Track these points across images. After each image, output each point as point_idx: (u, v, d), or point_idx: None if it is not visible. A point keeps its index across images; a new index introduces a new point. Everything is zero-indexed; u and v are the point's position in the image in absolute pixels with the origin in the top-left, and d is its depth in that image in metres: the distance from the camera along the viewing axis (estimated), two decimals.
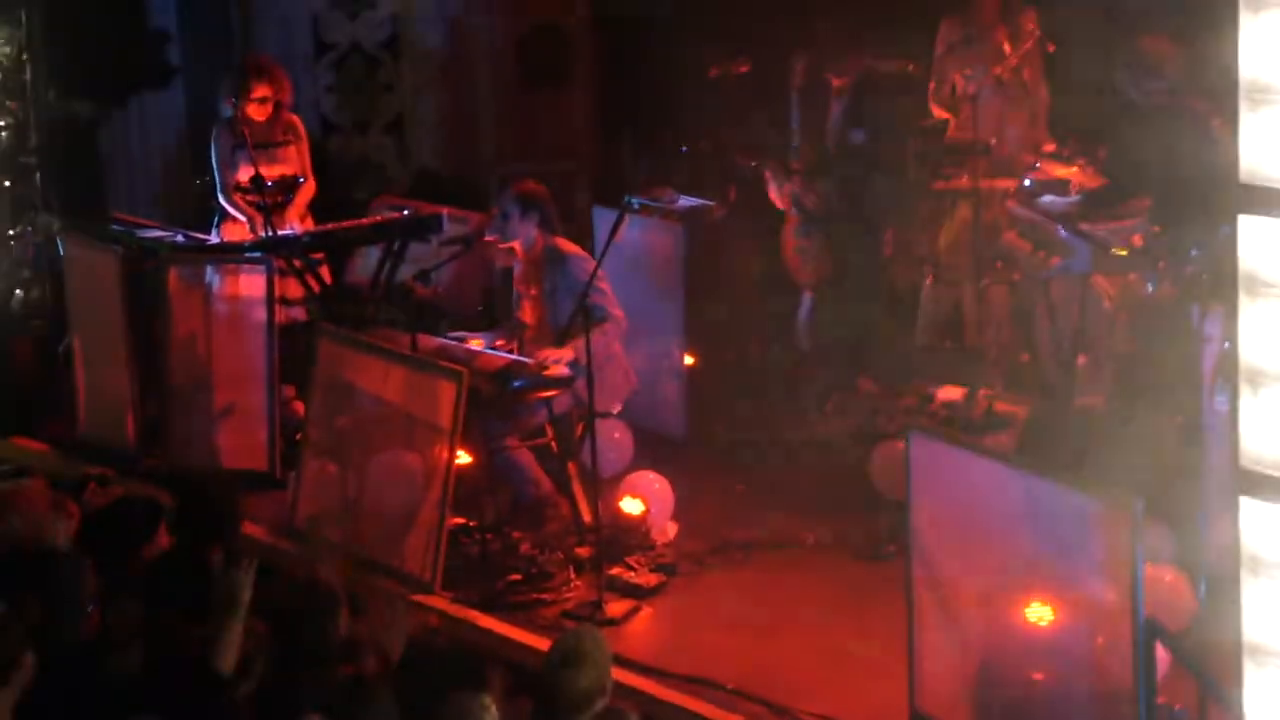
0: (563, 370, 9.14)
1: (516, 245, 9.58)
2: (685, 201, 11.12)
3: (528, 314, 9.67)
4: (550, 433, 9.44)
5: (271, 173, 10.77)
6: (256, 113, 10.74)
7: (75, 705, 6.58)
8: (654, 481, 9.46)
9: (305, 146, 11.02)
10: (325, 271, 10.85)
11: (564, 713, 6.55)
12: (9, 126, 12.40)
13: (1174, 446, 8.56)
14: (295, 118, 11.08)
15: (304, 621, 7.06)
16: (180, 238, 10.89)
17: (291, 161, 10.92)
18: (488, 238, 9.92)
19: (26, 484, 8.68)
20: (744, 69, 11.34)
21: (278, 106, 10.84)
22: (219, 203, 10.91)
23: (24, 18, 12.39)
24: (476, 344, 9.51)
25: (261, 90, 10.74)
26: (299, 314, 10.73)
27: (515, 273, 9.76)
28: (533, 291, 9.60)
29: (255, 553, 8.58)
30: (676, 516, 9.45)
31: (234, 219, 10.84)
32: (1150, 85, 9.16)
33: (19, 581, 7.27)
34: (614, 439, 10.01)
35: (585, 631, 7.48)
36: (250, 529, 9.34)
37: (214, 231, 10.96)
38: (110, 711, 6.50)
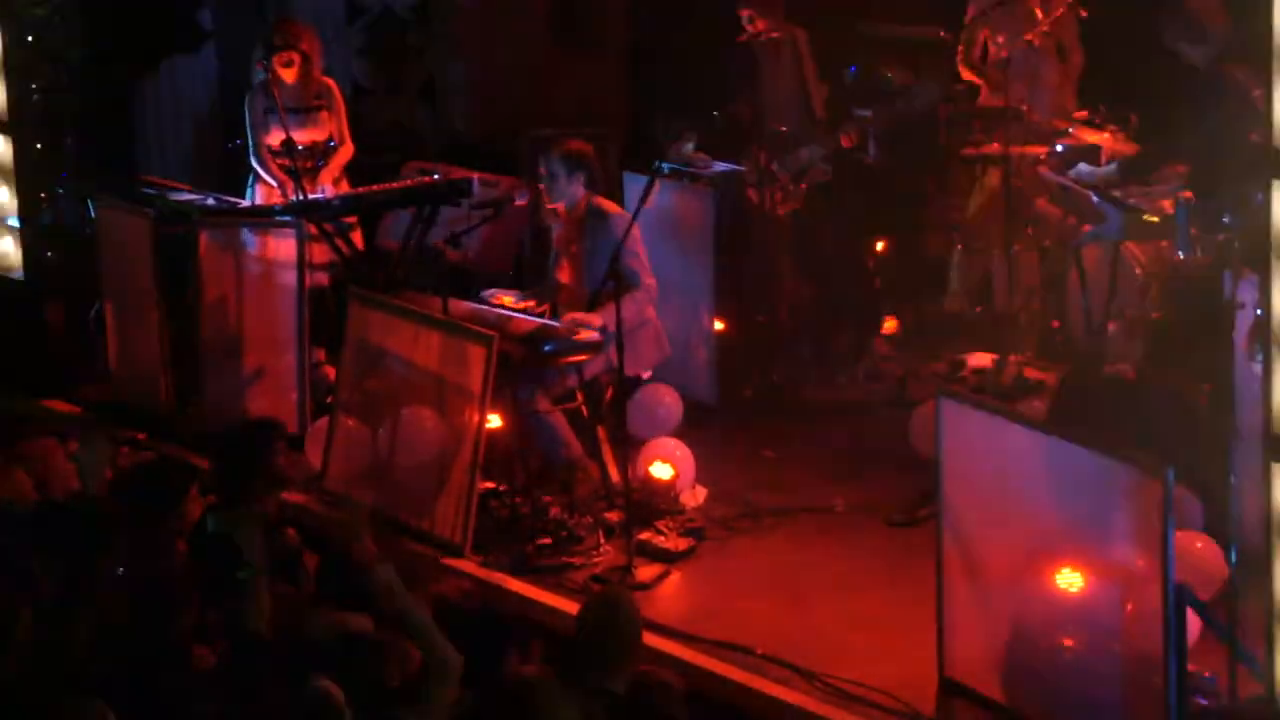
0: (593, 335, 9.14)
1: (561, 206, 9.55)
2: (717, 166, 11.11)
3: (565, 274, 9.64)
4: (580, 397, 9.44)
5: (303, 138, 10.76)
6: (284, 74, 10.73)
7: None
8: (675, 448, 9.45)
9: (340, 110, 11.00)
10: (357, 237, 10.86)
11: (595, 675, 6.57)
12: (41, 90, 12.41)
13: (1205, 413, 8.54)
14: (330, 81, 11.06)
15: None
16: (211, 201, 10.91)
17: (324, 126, 10.90)
18: (518, 202, 9.91)
19: (43, 442, 8.77)
20: (775, 34, 11.30)
21: (308, 68, 10.82)
22: (253, 165, 10.92)
23: None
24: (507, 300, 9.52)
25: (287, 54, 10.72)
26: (324, 278, 10.74)
27: (556, 233, 9.72)
28: (573, 249, 9.57)
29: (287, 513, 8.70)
30: (706, 481, 9.45)
31: (268, 181, 10.84)
32: (1192, 49, 9.12)
33: (43, 538, 7.32)
34: (664, 402, 9.98)
35: (616, 594, 7.51)
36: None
37: (248, 194, 10.98)
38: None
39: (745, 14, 11.23)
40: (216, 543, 7.36)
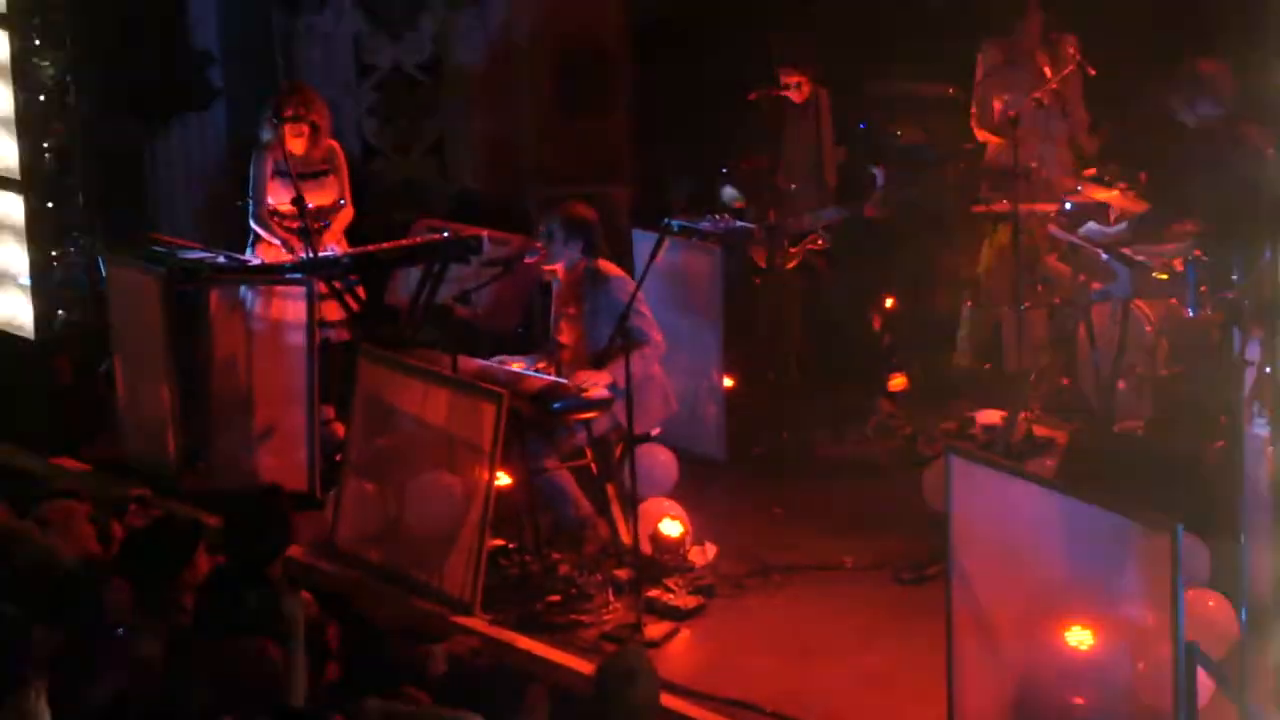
0: (602, 392, 9.14)
1: (558, 268, 9.59)
2: (735, 222, 11.13)
3: (565, 334, 9.67)
4: (590, 454, 9.44)
5: (312, 201, 10.76)
6: (294, 144, 10.76)
7: None
8: (670, 509, 9.44)
9: (345, 173, 11.02)
10: (360, 290, 10.86)
11: None
12: (52, 149, 12.45)
13: (1215, 471, 8.53)
14: (335, 144, 11.08)
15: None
16: (222, 259, 10.91)
17: (330, 189, 10.92)
18: (528, 259, 9.94)
19: (64, 504, 8.73)
20: (783, 92, 11.34)
21: (316, 133, 10.85)
22: (253, 228, 10.92)
23: (67, 40, 12.45)
24: (517, 366, 9.52)
25: (298, 125, 10.75)
26: (338, 335, 10.75)
27: (554, 292, 9.76)
28: (570, 311, 9.60)
29: (297, 574, 8.69)
30: (715, 538, 9.44)
31: (269, 241, 10.86)
32: (1205, 110, 9.14)
33: (42, 604, 7.28)
34: (659, 461, 9.98)
35: (634, 650, 7.51)
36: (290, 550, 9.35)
37: (248, 252, 10.99)
38: None
39: (794, 80, 11.24)
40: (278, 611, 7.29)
